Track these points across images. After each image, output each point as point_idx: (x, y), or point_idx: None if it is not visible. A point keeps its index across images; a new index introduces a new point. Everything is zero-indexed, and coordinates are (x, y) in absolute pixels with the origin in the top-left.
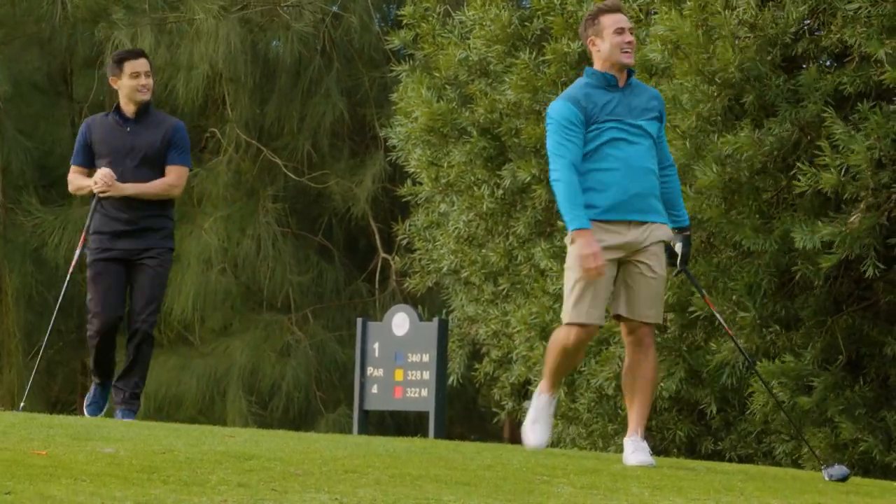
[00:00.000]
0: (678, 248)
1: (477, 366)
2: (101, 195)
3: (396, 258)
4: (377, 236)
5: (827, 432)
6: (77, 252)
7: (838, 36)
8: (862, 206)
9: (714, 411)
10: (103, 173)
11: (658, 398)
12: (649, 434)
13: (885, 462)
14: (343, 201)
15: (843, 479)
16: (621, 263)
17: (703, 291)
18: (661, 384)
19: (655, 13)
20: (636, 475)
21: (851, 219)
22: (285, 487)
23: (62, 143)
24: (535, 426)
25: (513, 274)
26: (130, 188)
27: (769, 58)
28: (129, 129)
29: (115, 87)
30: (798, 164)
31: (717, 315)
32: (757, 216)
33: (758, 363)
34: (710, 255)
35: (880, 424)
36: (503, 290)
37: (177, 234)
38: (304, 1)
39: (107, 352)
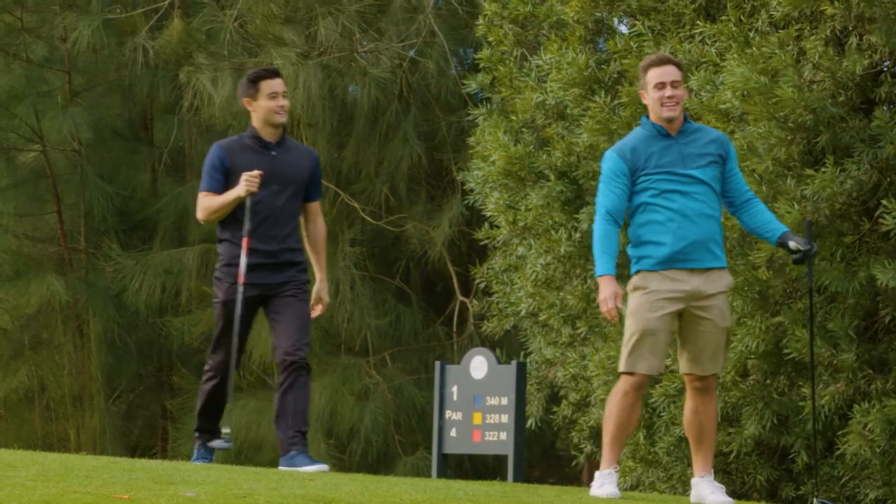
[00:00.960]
0: (792, 244)
1: (555, 409)
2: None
3: (474, 301)
4: (454, 280)
5: None
6: (243, 261)
7: None
8: None
9: (804, 457)
10: (251, 173)
11: (740, 443)
12: (728, 478)
13: None
14: (420, 245)
15: None
16: (684, 314)
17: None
18: (745, 431)
19: (726, 59)
20: None
21: None
22: None
23: (142, 187)
24: (602, 487)
25: (590, 317)
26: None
27: (842, 99)
28: (273, 153)
29: (248, 108)
30: (883, 201)
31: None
32: (839, 260)
33: (856, 406)
34: (795, 301)
35: None
36: (581, 332)
37: None
38: (382, 47)
39: (221, 395)
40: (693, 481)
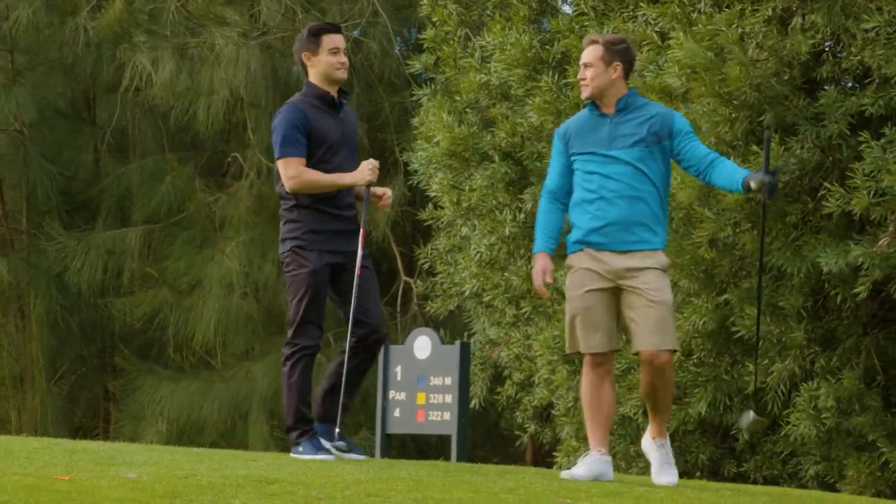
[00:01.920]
0: (752, 184)
1: (499, 389)
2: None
3: (418, 282)
4: (399, 260)
5: (867, 456)
6: (360, 254)
7: (859, 58)
8: (891, 228)
9: (746, 435)
10: (374, 164)
11: (684, 421)
12: None
13: None
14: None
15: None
16: (620, 292)
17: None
18: (689, 409)
19: (672, 38)
20: (659, 497)
21: (880, 242)
22: None
23: (85, 168)
24: (571, 468)
25: (534, 297)
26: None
27: (786, 78)
28: (340, 115)
29: (306, 63)
30: (827, 184)
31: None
32: (783, 239)
33: (804, 385)
34: (741, 280)
35: None
36: (525, 313)
37: (197, 259)
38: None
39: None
40: (646, 441)
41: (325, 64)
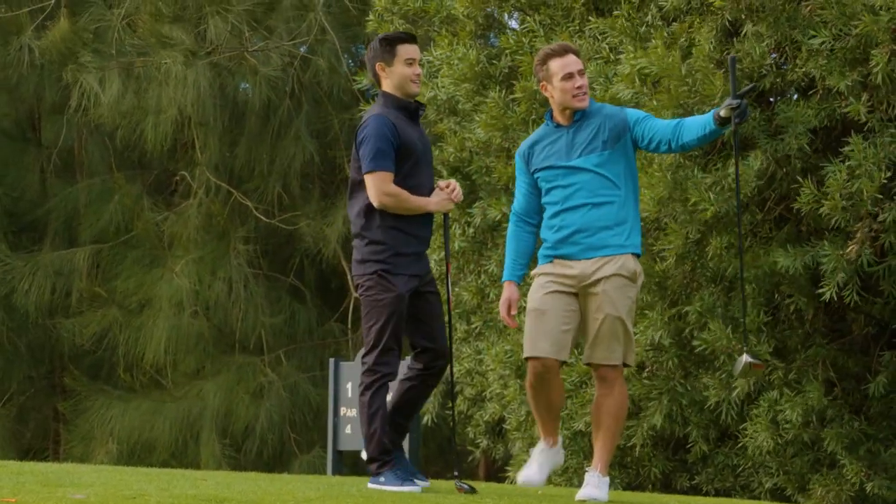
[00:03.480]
0: (722, 112)
1: (450, 405)
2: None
3: None
4: (349, 276)
5: (827, 469)
6: (449, 279)
7: (803, 70)
8: (859, 235)
9: (702, 447)
10: (457, 190)
11: (639, 435)
12: (624, 471)
13: (880, 495)
14: (314, 242)
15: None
16: (580, 300)
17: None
18: (645, 423)
19: (622, 52)
20: None
21: (849, 248)
22: None
23: (31, 188)
24: (527, 466)
25: (485, 312)
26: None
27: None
28: (419, 127)
29: (380, 73)
30: (799, 178)
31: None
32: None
33: (763, 395)
34: (696, 291)
35: (872, 458)
36: (476, 328)
37: (146, 279)
38: (272, 45)
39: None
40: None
41: (399, 76)
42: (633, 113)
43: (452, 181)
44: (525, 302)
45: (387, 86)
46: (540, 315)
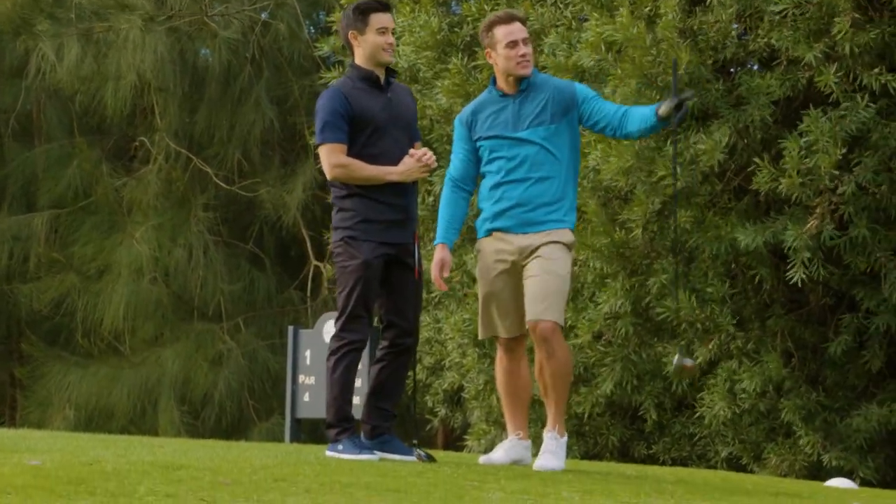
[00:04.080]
0: (661, 110)
1: (409, 373)
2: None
3: (328, 266)
4: (308, 244)
5: (783, 438)
6: (417, 254)
7: (766, 40)
8: (818, 211)
9: (653, 416)
10: (427, 155)
11: (593, 403)
12: (581, 439)
13: (836, 466)
14: (274, 209)
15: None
16: (522, 268)
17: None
18: (598, 389)
19: (586, 19)
20: (567, 479)
21: (809, 224)
22: (214, 497)
23: None
24: (492, 452)
25: (445, 281)
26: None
27: (710, 62)
28: (388, 95)
29: (352, 42)
30: (757, 160)
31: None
32: (692, 221)
33: (721, 365)
34: (657, 260)
35: (827, 429)
36: (435, 296)
37: (105, 244)
38: (232, 10)
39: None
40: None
41: (371, 45)
42: (581, 89)
43: (424, 149)
44: (470, 264)
45: (358, 55)
46: (494, 296)
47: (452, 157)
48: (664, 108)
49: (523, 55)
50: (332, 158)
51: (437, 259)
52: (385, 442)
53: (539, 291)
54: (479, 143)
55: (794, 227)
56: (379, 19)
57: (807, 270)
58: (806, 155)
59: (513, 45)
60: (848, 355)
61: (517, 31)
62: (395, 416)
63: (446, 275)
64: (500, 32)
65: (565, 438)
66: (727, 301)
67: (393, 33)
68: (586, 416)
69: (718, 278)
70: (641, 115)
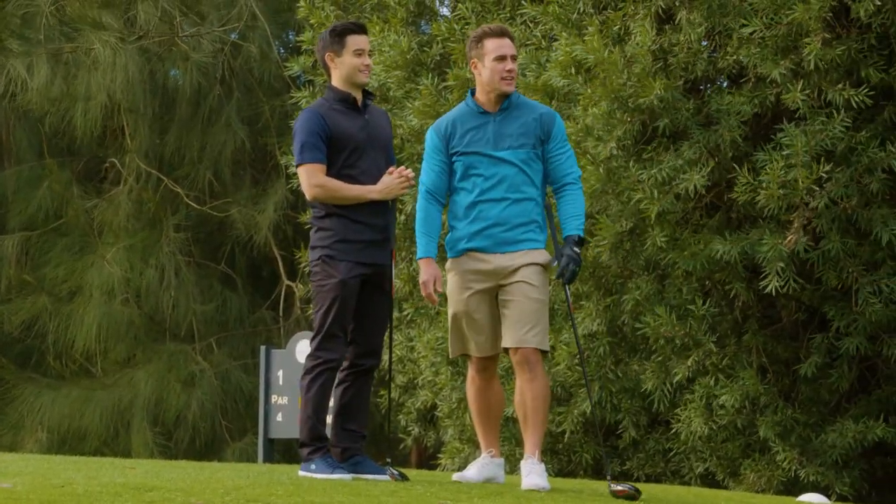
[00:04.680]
0: (554, 263)
1: (382, 392)
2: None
3: (300, 285)
4: (280, 264)
5: (758, 455)
6: (393, 266)
7: (734, 57)
8: (795, 225)
9: (632, 433)
10: (405, 174)
11: (573, 422)
12: (556, 457)
13: (812, 481)
14: (246, 229)
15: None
16: (498, 291)
17: (573, 315)
18: (576, 409)
19: (556, 39)
20: (540, 497)
21: (788, 238)
22: None
23: None
24: (462, 471)
25: (417, 299)
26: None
27: (681, 82)
28: (366, 117)
29: (329, 64)
30: (736, 167)
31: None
32: (666, 239)
33: (698, 381)
34: (633, 279)
35: (803, 444)
36: (407, 315)
37: (77, 266)
38: (203, 31)
39: (353, 393)
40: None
41: (348, 66)
42: (558, 126)
43: (402, 167)
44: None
45: (335, 77)
46: (466, 315)
47: (426, 168)
48: (556, 266)
49: (509, 71)
50: (311, 178)
51: (430, 274)
52: (357, 463)
53: (522, 316)
54: (455, 158)
55: (769, 239)
56: (355, 41)
57: (780, 281)
58: (782, 168)
59: (501, 59)
60: (820, 371)
61: (507, 46)
62: (365, 437)
63: (440, 290)
64: (491, 45)
65: (543, 465)
66: (706, 318)
67: (370, 55)
68: (566, 434)
69: (694, 294)
70: (562, 217)
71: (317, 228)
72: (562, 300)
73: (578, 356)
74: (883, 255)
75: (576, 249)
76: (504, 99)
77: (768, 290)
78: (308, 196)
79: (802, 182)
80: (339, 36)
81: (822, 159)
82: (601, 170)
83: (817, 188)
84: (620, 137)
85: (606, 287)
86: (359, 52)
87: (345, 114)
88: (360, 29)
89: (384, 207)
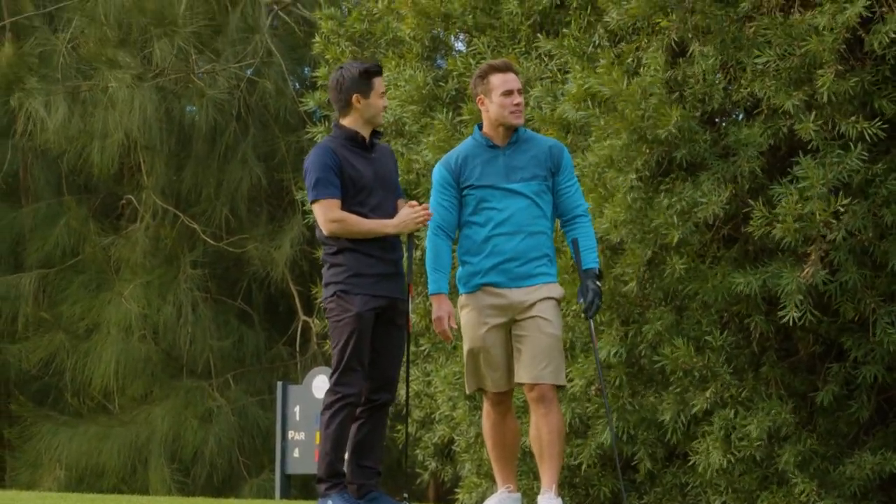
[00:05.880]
0: (580, 300)
1: (399, 427)
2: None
3: (316, 321)
4: (297, 299)
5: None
6: (410, 301)
7: (748, 90)
8: (813, 257)
9: (648, 465)
10: (418, 212)
11: (590, 454)
12: (574, 491)
13: None
14: (262, 265)
15: None
16: (512, 326)
17: (597, 349)
18: (593, 441)
19: (569, 72)
20: None
21: (805, 271)
22: None
23: None
24: None
25: (433, 334)
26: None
27: (698, 114)
28: (374, 155)
29: (356, 105)
30: (752, 202)
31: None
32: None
33: (717, 412)
34: (652, 309)
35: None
36: (424, 350)
37: (94, 303)
38: (218, 67)
39: (368, 429)
40: (538, 499)
41: (373, 108)
42: (567, 159)
43: (425, 203)
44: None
45: (355, 117)
46: (484, 351)
47: (434, 204)
48: (580, 299)
49: (517, 104)
50: (328, 214)
51: (444, 310)
52: (374, 499)
53: (537, 352)
54: (466, 192)
55: (788, 272)
56: (381, 83)
57: (798, 312)
58: (798, 201)
59: (508, 93)
60: (837, 402)
61: (513, 80)
62: (380, 473)
63: (454, 326)
64: (497, 80)
65: (560, 500)
66: (724, 349)
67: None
68: (584, 467)
69: (712, 326)
70: (580, 247)
71: (329, 265)
72: (580, 331)
73: (599, 389)
74: None
75: (598, 283)
76: (513, 132)
77: (786, 320)
78: (325, 231)
79: (819, 215)
80: (365, 77)
81: (840, 192)
82: (628, 198)
83: (834, 220)
84: (640, 169)
85: (624, 317)
86: (383, 94)
87: (354, 152)
88: (380, 70)
89: (396, 242)
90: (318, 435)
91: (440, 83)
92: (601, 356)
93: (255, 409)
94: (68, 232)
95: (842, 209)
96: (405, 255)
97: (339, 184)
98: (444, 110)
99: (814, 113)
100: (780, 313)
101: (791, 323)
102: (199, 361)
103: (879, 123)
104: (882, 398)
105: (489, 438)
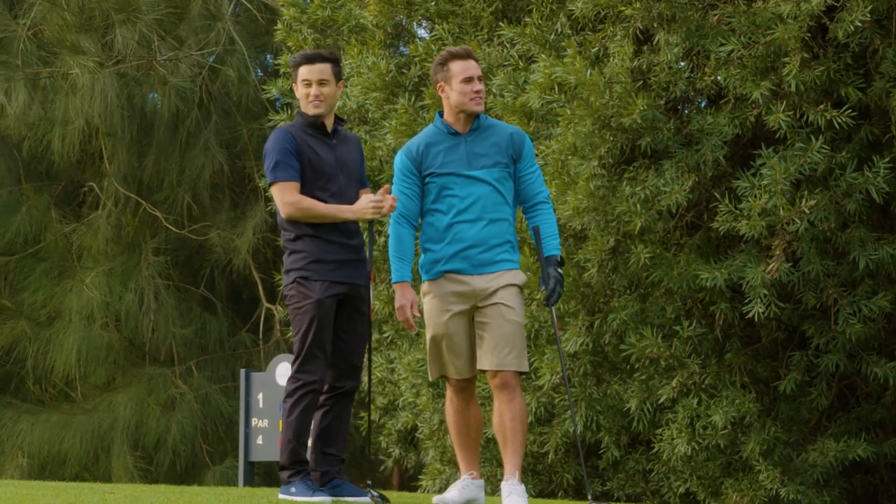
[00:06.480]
0: (541, 287)
1: (363, 414)
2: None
3: (279, 308)
4: (260, 286)
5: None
6: (371, 289)
7: (713, 78)
8: (778, 253)
9: (613, 453)
10: (377, 200)
11: (552, 442)
12: (537, 478)
13: (793, 500)
14: (225, 253)
15: None
16: (474, 313)
17: (559, 337)
18: (559, 430)
19: (534, 60)
20: None
21: (771, 266)
22: None
23: None
24: (443, 493)
25: (397, 321)
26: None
27: (662, 101)
28: (334, 142)
29: (296, 93)
30: (717, 195)
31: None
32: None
33: (682, 401)
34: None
35: (785, 463)
36: (388, 337)
37: (56, 290)
38: (181, 55)
39: (333, 414)
40: (501, 485)
41: (301, 97)
42: (528, 146)
43: (382, 191)
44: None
45: (302, 105)
46: (446, 338)
47: (398, 192)
48: (542, 286)
49: (478, 91)
50: (285, 196)
51: (407, 299)
52: (337, 486)
53: (500, 339)
54: (429, 180)
55: (753, 266)
56: (304, 71)
57: (762, 305)
58: (761, 196)
59: (468, 80)
60: (800, 390)
61: (473, 67)
62: (343, 461)
63: (417, 314)
64: (457, 67)
65: (524, 486)
66: (691, 338)
67: (320, 84)
68: (549, 455)
69: (678, 314)
70: (542, 234)
71: (289, 251)
72: (544, 320)
73: (562, 378)
74: (861, 275)
75: (559, 270)
76: (474, 119)
77: (751, 315)
78: (282, 213)
79: (784, 211)
80: (294, 67)
81: (803, 187)
82: (591, 185)
83: (796, 212)
84: (603, 156)
85: (590, 307)
86: (306, 83)
87: (314, 137)
88: (312, 59)
89: (356, 228)
90: (280, 422)
91: (403, 70)
92: (567, 347)
93: (218, 396)
94: (29, 219)
95: (805, 208)
96: (367, 242)
97: (298, 167)
98: (406, 96)
99: (784, 102)
100: (745, 308)
101: (756, 318)
102: (162, 349)
103: (848, 112)
104: (843, 385)
105: (452, 425)
